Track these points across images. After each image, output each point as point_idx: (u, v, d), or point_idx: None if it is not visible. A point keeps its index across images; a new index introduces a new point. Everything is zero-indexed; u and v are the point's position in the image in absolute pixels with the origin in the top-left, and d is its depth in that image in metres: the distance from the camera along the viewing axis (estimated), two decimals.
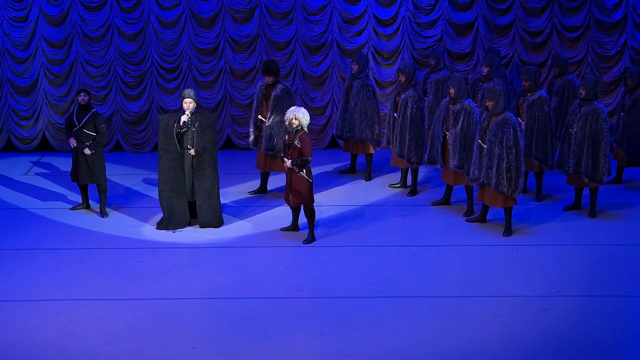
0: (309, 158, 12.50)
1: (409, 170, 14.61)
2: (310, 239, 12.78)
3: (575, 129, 13.23)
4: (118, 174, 15.56)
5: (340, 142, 16.36)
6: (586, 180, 13.26)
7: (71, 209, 14.01)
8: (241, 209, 14.00)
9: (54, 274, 11.81)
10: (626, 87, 14.73)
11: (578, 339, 10.12)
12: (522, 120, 13.88)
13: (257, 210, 13.96)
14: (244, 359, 9.83)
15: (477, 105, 13.66)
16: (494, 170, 12.61)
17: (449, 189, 13.97)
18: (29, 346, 10.04)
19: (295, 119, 12.48)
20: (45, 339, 10.18)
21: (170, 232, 13.09)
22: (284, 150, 12.70)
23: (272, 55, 16.70)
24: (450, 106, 13.42)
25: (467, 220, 13.42)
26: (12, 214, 13.93)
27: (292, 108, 12.66)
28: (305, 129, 12.57)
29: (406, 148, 14.21)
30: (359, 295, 11.22)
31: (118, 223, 13.50)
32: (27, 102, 17.02)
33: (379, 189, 14.82)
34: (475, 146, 12.93)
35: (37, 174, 15.89)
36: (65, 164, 15.87)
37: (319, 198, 13.91)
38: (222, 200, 13.68)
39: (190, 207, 13.23)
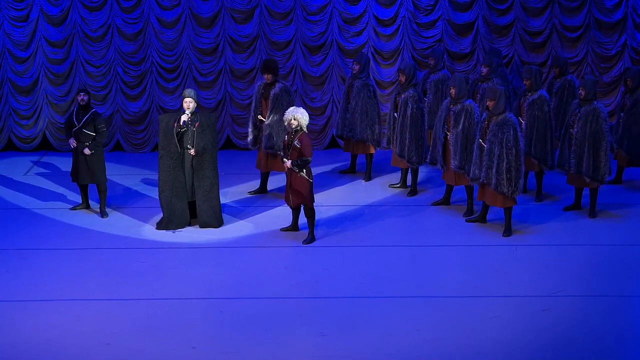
0: (309, 158, 12.50)
1: (409, 170, 14.61)
2: (310, 239, 12.77)
3: (575, 129, 13.23)
4: (118, 174, 15.55)
5: (341, 142, 16.37)
6: (587, 180, 13.26)
7: (71, 209, 14.01)
8: (241, 209, 13.99)
9: (54, 274, 11.81)
10: (626, 88, 14.72)
11: (578, 339, 10.12)
12: (523, 120, 13.89)
13: (257, 210, 13.95)
14: (243, 359, 9.83)
15: (477, 105, 13.68)
16: (494, 170, 12.61)
17: (449, 189, 13.97)
18: (29, 346, 10.03)
19: (294, 119, 12.47)
20: (45, 339, 10.17)
21: (170, 232, 13.09)
22: (284, 150, 12.70)
23: (272, 56, 16.68)
24: (451, 106, 13.43)
25: (467, 220, 13.42)
26: (12, 214, 13.93)
27: (291, 108, 12.65)
28: (305, 129, 12.56)
29: (406, 148, 14.21)
30: (359, 295, 11.21)
31: (118, 223, 13.50)
32: (27, 101, 17.02)
33: (379, 189, 14.82)
34: (475, 145, 12.93)
35: (37, 173, 15.88)
36: (65, 164, 15.87)
37: (319, 198, 13.90)
38: (222, 200, 13.67)
39: (190, 207, 13.23)
